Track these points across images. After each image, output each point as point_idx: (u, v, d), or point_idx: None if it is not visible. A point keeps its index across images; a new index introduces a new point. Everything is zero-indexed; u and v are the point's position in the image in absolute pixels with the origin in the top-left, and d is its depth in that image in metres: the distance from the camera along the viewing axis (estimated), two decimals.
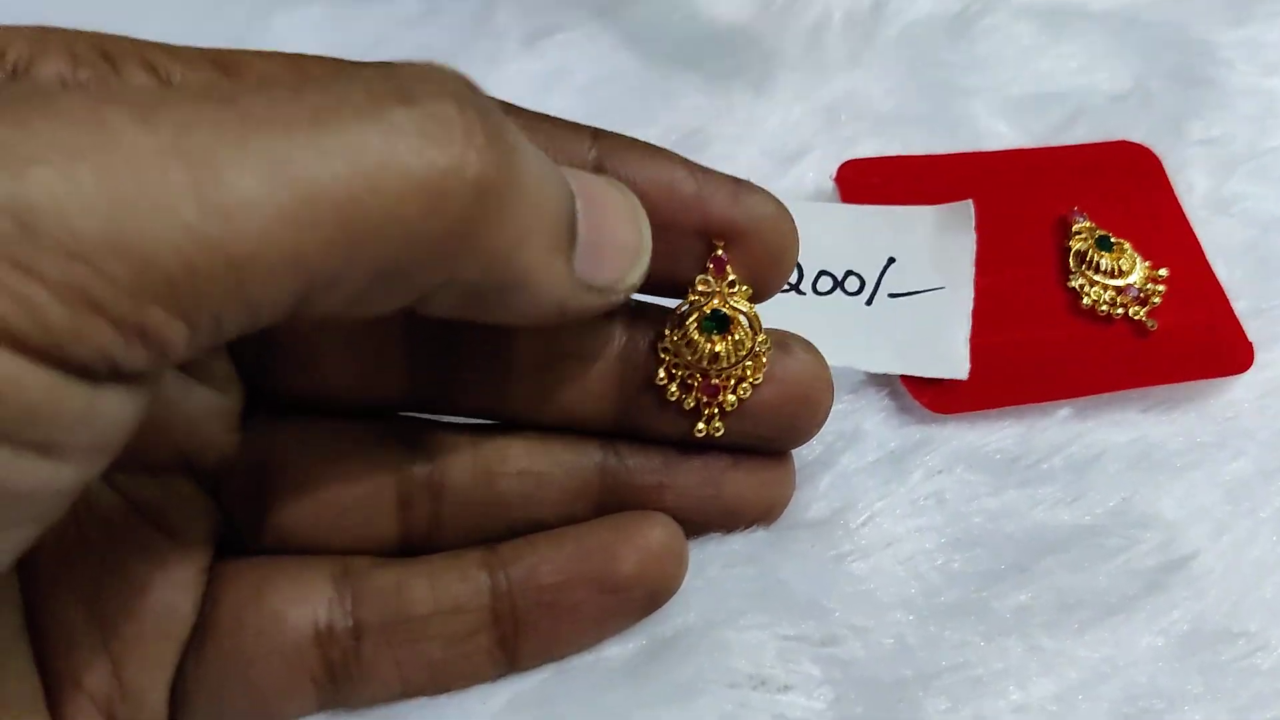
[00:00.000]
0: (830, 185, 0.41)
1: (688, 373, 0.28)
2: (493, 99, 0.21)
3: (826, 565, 0.32)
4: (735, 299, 0.27)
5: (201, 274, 0.17)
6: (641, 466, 0.29)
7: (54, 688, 0.26)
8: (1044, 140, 0.43)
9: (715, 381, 0.28)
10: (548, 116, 0.26)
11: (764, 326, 0.28)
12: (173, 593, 0.27)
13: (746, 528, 0.31)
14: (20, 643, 0.25)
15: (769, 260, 0.27)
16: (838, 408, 0.35)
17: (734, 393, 0.28)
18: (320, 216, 0.18)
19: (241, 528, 0.29)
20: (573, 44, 0.44)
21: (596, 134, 0.26)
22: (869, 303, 0.37)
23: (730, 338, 0.27)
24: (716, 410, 0.28)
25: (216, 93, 0.18)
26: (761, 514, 0.31)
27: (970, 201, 0.38)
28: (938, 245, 0.38)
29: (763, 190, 0.27)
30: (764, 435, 0.29)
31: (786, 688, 0.30)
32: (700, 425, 0.28)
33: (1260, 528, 0.34)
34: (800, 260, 0.34)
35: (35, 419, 0.17)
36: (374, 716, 0.29)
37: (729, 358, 0.27)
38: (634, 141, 0.26)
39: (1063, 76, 0.46)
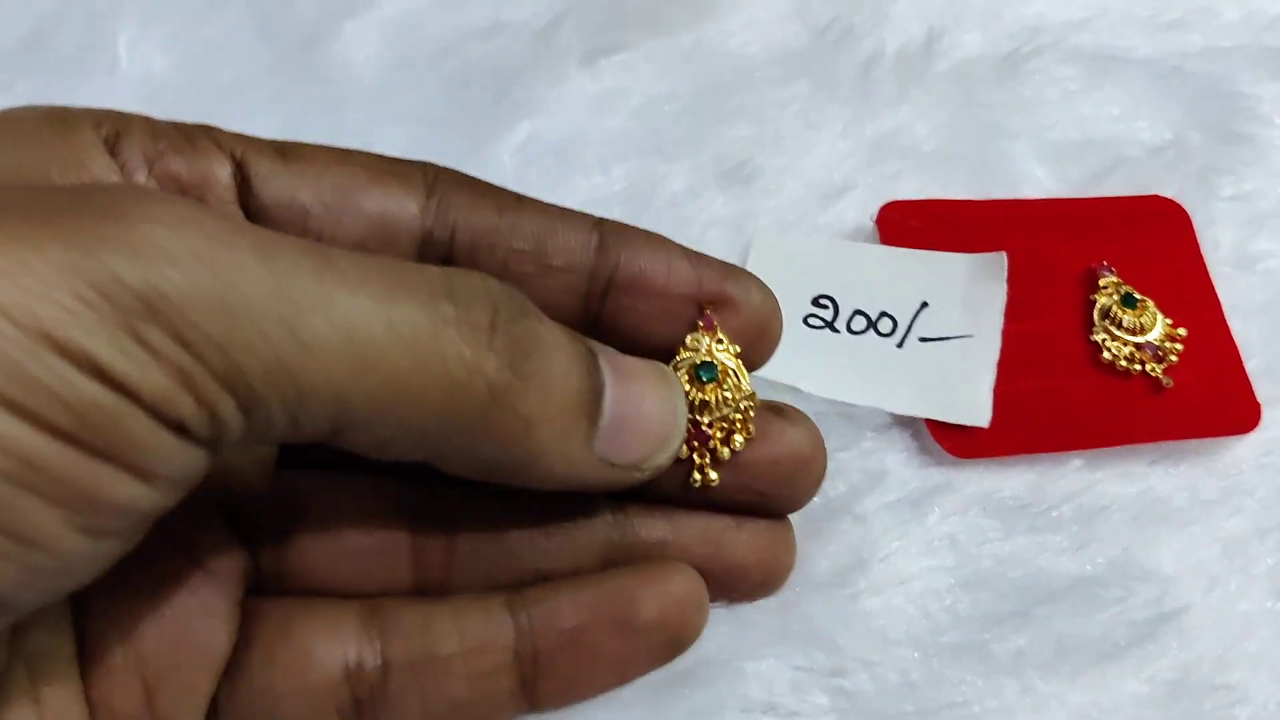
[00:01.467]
0: (870, 225, 0.41)
1: None
2: (526, 300, 0.24)
3: (843, 600, 0.33)
4: (723, 354, 0.28)
5: (272, 386, 0.20)
6: (646, 522, 0.30)
7: (94, 715, 0.26)
8: (1079, 187, 0.43)
9: (705, 429, 0.28)
10: (554, 207, 0.28)
11: (759, 399, 0.29)
12: (209, 625, 0.27)
13: (747, 594, 0.31)
14: (72, 671, 0.26)
15: (756, 329, 0.29)
16: (863, 445, 0.36)
17: (726, 444, 0.29)
18: (369, 371, 0.21)
19: (268, 568, 0.29)
20: (632, 65, 0.44)
21: (600, 222, 0.28)
22: (900, 345, 0.37)
23: (719, 387, 0.28)
24: (708, 457, 0.29)
25: (318, 250, 0.22)
26: (762, 578, 0.31)
27: (1004, 254, 0.38)
28: (970, 293, 0.38)
29: (751, 274, 0.29)
30: (760, 490, 0.30)
31: (795, 715, 0.31)
32: (695, 475, 0.29)
33: (1251, 584, 0.34)
34: (837, 297, 0.38)
35: (136, 448, 0.20)
36: None
37: (718, 406, 0.28)
38: (633, 229, 0.28)
39: (1103, 123, 0.45)
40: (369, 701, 0.28)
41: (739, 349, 0.29)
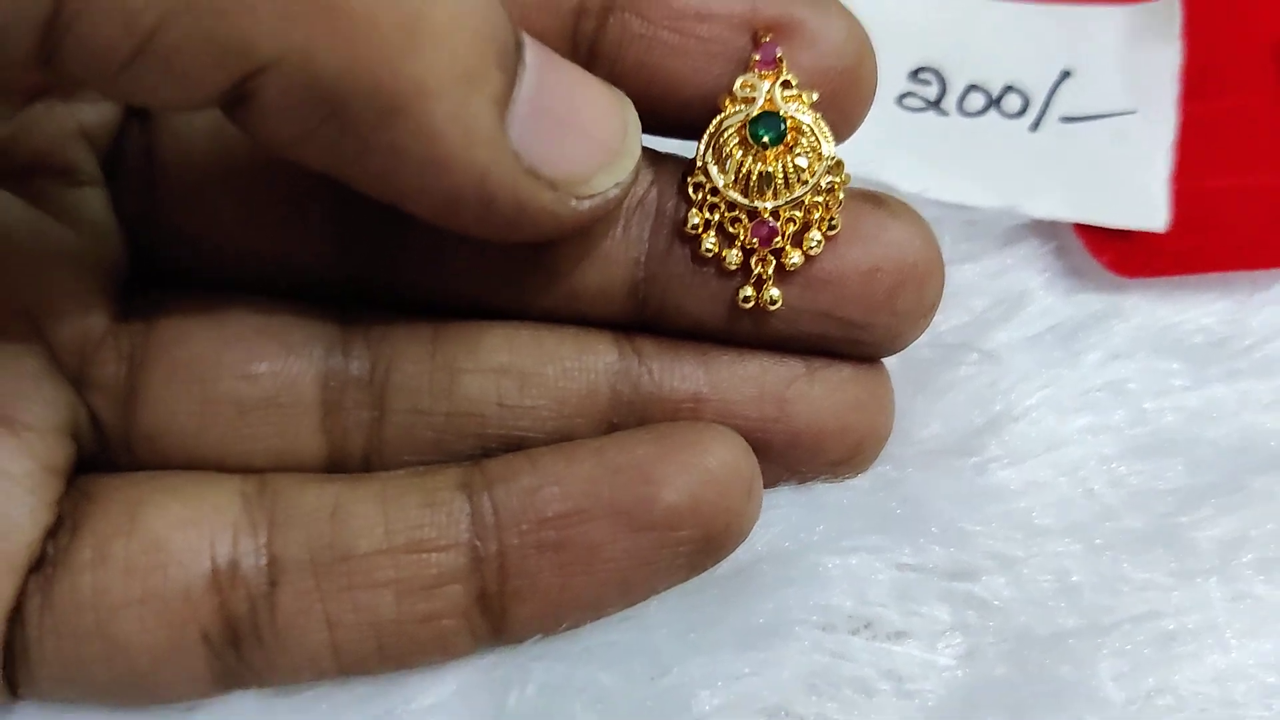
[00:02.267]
0: None
1: (731, 213, 0.24)
2: None
3: (967, 474, 0.29)
4: (792, 104, 0.24)
5: None
6: (671, 366, 0.25)
7: None
8: None
9: (769, 219, 0.24)
10: None
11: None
12: (6, 498, 0.24)
13: (823, 472, 0.27)
14: None
15: (839, 74, 0.24)
16: (988, 261, 0.33)
17: (798, 245, 0.24)
18: None
19: (112, 429, 0.25)
20: None
21: None
22: (1035, 127, 0.34)
23: (788, 152, 0.24)
24: (771, 263, 0.24)
25: None
26: (845, 451, 0.26)
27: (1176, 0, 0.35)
28: (1130, 56, 0.35)
29: None
30: (846, 317, 0.25)
31: (902, 635, 0.27)
32: (748, 289, 0.24)
33: None
34: (943, 69, 0.35)
35: None
36: (294, 701, 0.25)
37: (788, 183, 0.24)
38: None
39: None
40: (249, 620, 0.23)
41: (816, 96, 0.24)
